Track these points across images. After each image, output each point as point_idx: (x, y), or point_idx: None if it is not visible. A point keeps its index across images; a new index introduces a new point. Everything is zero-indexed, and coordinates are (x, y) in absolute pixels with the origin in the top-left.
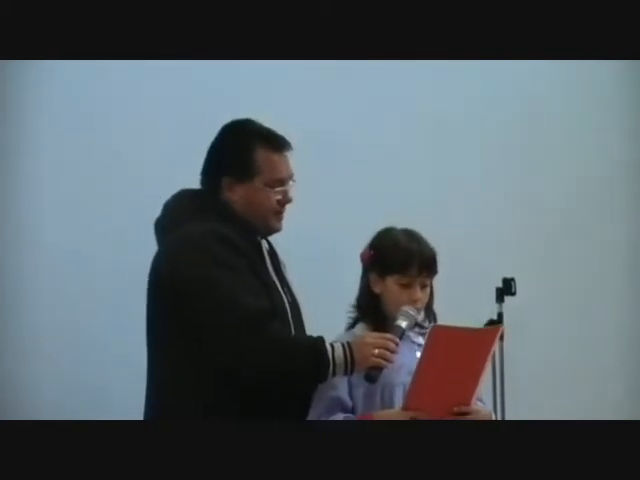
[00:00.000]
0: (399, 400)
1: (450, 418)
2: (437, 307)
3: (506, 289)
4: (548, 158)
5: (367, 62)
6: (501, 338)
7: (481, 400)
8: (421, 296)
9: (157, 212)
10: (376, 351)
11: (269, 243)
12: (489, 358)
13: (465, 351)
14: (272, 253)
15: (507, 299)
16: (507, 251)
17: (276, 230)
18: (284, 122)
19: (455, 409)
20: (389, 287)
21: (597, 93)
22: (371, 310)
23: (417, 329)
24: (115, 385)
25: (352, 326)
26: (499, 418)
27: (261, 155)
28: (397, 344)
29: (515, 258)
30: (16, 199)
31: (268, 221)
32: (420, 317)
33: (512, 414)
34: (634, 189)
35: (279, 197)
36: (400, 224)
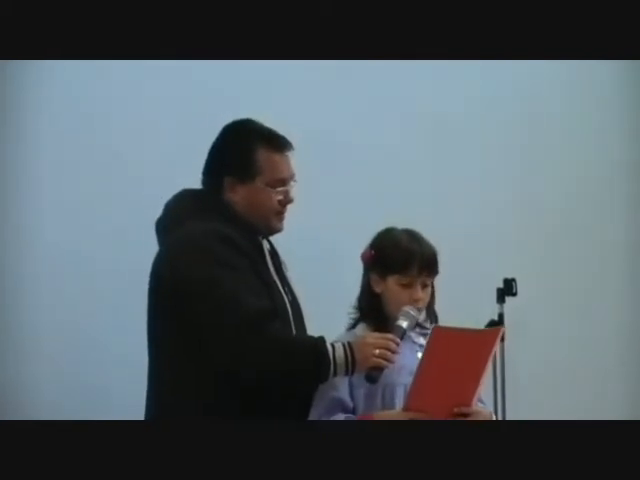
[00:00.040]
0: (400, 401)
1: (451, 419)
2: (438, 307)
3: (507, 289)
4: (548, 158)
5: (367, 62)
6: (502, 339)
7: (481, 401)
8: (422, 296)
9: (157, 212)
10: (377, 351)
11: (270, 243)
12: (490, 359)
13: (466, 352)
14: (273, 253)
15: (507, 299)
16: (507, 251)
17: (277, 230)
18: (284, 122)
19: (456, 410)
20: (390, 287)
21: (597, 93)
22: (372, 310)
23: (418, 329)
24: (115, 385)
25: (353, 326)
26: (500, 418)
27: (262, 155)
28: (398, 344)
29: (515, 258)
30: (16, 199)
31: (269, 221)
32: (421, 317)
33: (513, 414)
34: (634, 189)
35: (280, 197)
36: (400, 224)
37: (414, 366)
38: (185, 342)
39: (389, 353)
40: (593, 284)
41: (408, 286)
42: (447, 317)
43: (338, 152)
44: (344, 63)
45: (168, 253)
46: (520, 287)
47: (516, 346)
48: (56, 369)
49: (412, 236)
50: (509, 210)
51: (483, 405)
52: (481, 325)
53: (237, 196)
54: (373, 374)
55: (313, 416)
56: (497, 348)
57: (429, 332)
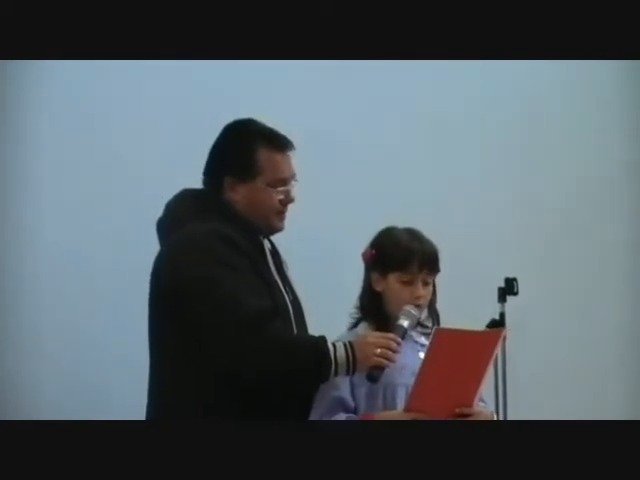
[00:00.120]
0: (401, 400)
1: (452, 419)
2: (439, 307)
3: (508, 289)
4: (548, 158)
5: (367, 62)
6: (503, 340)
7: (483, 400)
8: (423, 293)
9: (157, 212)
10: (378, 350)
11: (271, 243)
12: (492, 361)
13: (468, 353)
14: (274, 253)
15: (508, 299)
16: (507, 251)
17: (278, 230)
18: (284, 122)
19: (457, 410)
20: (391, 285)
21: (597, 93)
22: (373, 309)
23: (420, 329)
24: (115, 385)
25: (355, 325)
26: (501, 418)
27: (263, 155)
28: (399, 344)
29: (515, 258)
30: (16, 199)
31: (270, 221)
32: (423, 316)
33: (513, 414)
34: (634, 189)
35: (281, 197)
36: (400, 224)
37: (415, 366)
38: (185, 342)
39: (390, 352)
40: (593, 284)
41: (409, 283)
42: (448, 316)
43: (338, 152)
44: (344, 63)
45: (169, 253)
46: (520, 287)
47: (517, 346)
48: (56, 369)
49: (412, 234)
50: (509, 210)
51: (484, 405)
52: (482, 324)
53: (238, 196)
54: (374, 373)
55: (314, 416)
56: (499, 350)
57: (430, 332)
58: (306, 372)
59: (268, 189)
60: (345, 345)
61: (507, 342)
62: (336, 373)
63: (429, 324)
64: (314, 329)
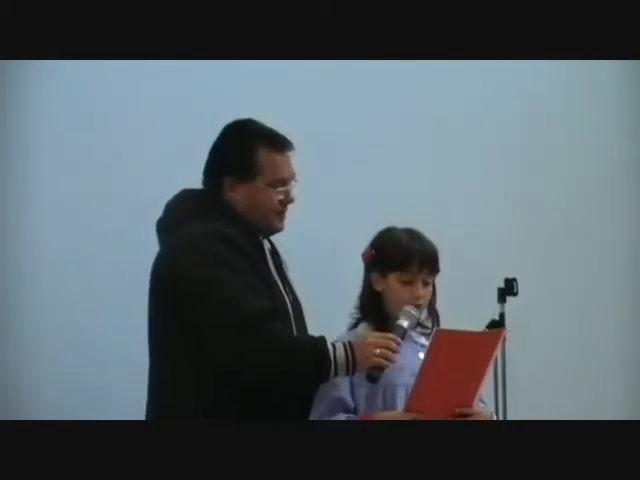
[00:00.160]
0: (401, 401)
1: (452, 419)
2: (439, 307)
3: (508, 289)
4: (548, 158)
5: (367, 62)
6: (503, 341)
7: (482, 400)
8: (423, 293)
9: (157, 212)
10: (377, 351)
11: (271, 243)
12: (492, 362)
13: (468, 354)
14: (274, 253)
15: (508, 299)
16: (507, 251)
17: (278, 230)
18: (284, 122)
19: (457, 410)
20: (391, 285)
21: (597, 93)
22: (373, 309)
23: (420, 329)
24: (115, 385)
25: (355, 326)
26: (500, 418)
27: (263, 155)
28: (399, 344)
29: (515, 258)
30: (16, 199)
31: (270, 221)
32: (423, 316)
33: (513, 414)
34: (634, 189)
35: (281, 197)
36: (400, 224)
37: (415, 366)
38: (185, 343)
39: (390, 353)
40: (593, 284)
41: (409, 283)
42: (448, 317)
43: (338, 152)
44: (344, 63)
45: (168, 253)
46: (520, 287)
47: (517, 346)
48: (56, 369)
49: (412, 234)
50: (509, 210)
51: (484, 405)
52: (482, 325)
53: (238, 196)
54: (374, 374)
55: (314, 416)
56: (499, 350)
57: (430, 332)
58: (306, 372)
59: (268, 189)
60: (345, 345)
61: (507, 342)
62: (336, 373)
63: (429, 324)
64: (314, 329)
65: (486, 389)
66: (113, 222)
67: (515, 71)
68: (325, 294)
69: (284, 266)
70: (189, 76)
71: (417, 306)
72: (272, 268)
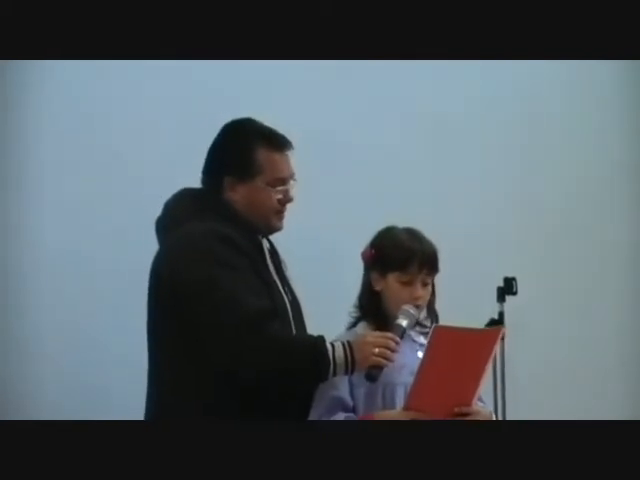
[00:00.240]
0: (400, 400)
1: (451, 418)
2: (438, 306)
3: (507, 288)
4: (548, 158)
5: (367, 62)
6: (502, 339)
7: (481, 400)
8: (422, 294)
9: (157, 212)
10: (376, 350)
11: (270, 242)
12: (491, 359)
13: (467, 352)
14: (273, 252)
15: (508, 299)
16: (507, 251)
17: (277, 229)
18: (284, 122)
19: (456, 410)
20: (390, 285)
21: (597, 93)
22: (372, 309)
23: (418, 328)
24: (115, 385)
25: (354, 325)
26: (500, 418)
27: (262, 154)
28: (398, 343)
29: (515, 258)
30: (17, 199)
31: (269, 220)
32: (422, 316)
33: (513, 414)
34: (634, 189)
35: (280, 196)
36: (400, 224)
37: (414, 365)
38: (185, 342)
39: (389, 352)
40: (593, 284)
41: (408, 284)
42: (447, 316)
43: (338, 152)
44: (344, 63)
45: (167, 253)
46: (520, 287)
47: (516, 346)
48: (56, 369)
49: (412, 234)
50: (509, 210)
51: (483, 405)
52: (481, 324)
53: (237, 195)
54: (373, 373)
55: (313, 415)
56: (498, 348)
57: (429, 331)
58: (305, 372)
59: (267, 189)
60: (344, 345)
61: (506, 342)
62: (335, 373)
63: (428, 324)
64: (313, 329)
65: (485, 389)
66: (113, 222)
67: (515, 71)
68: (325, 294)
69: (283, 266)
70: (189, 76)
71: (416, 306)
72: (271, 268)
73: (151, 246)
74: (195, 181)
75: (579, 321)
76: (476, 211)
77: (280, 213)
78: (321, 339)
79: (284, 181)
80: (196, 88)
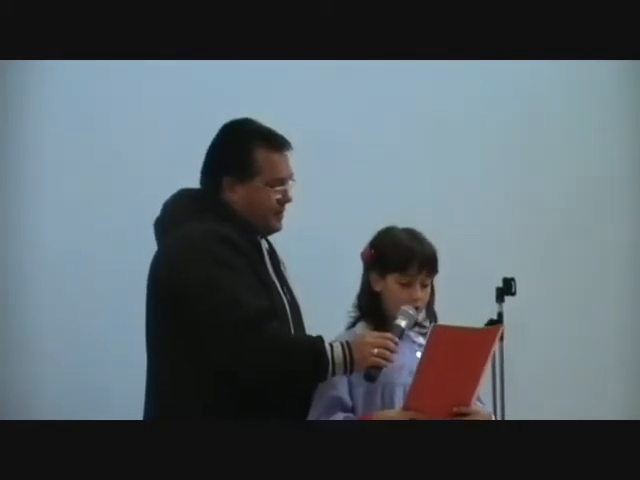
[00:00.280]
0: (399, 400)
1: (450, 418)
2: (437, 307)
3: (506, 289)
4: (548, 158)
5: (367, 62)
6: (501, 338)
7: (481, 400)
8: (421, 295)
9: (157, 212)
10: (375, 350)
11: (269, 243)
12: (489, 358)
13: (465, 351)
14: (272, 253)
15: (507, 299)
16: (507, 251)
17: (276, 229)
18: (284, 122)
19: (455, 410)
20: (389, 286)
21: (597, 93)
22: (371, 309)
23: (417, 329)
24: (115, 385)
25: (353, 325)
26: (499, 418)
27: (261, 155)
28: (397, 343)
29: (515, 258)
30: (17, 199)
31: (268, 221)
32: (421, 317)
33: (512, 414)
34: (634, 189)
35: (279, 196)
36: (400, 224)
37: (413, 365)
38: (184, 342)
39: (388, 352)
40: (593, 284)
41: (407, 285)
42: (446, 316)
43: (338, 152)
44: (344, 63)
45: (166, 254)
46: (520, 287)
47: (515, 346)
48: (56, 369)
49: (412, 235)
50: (509, 210)
51: (482, 405)
52: (480, 324)
53: (236, 196)
54: (372, 373)
55: (312, 415)
56: (496, 347)
57: (428, 331)
58: (304, 372)
59: (266, 189)
60: (342, 345)
61: (505, 342)
62: (334, 373)
63: (427, 324)
64: (313, 329)
65: (485, 389)
66: (113, 222)
67: (515, 71)
68: (324, 294)
69: (282, 266)
70: (189, 76)
71: (415, 307)
72: (270, 268)
73: (151, 246)
74: (195, 181)
75: (579, 321)
76: (476, 211)
77: (279, 213)
78: (320, 339)
79: (283, 181)
80: (196, 88)
